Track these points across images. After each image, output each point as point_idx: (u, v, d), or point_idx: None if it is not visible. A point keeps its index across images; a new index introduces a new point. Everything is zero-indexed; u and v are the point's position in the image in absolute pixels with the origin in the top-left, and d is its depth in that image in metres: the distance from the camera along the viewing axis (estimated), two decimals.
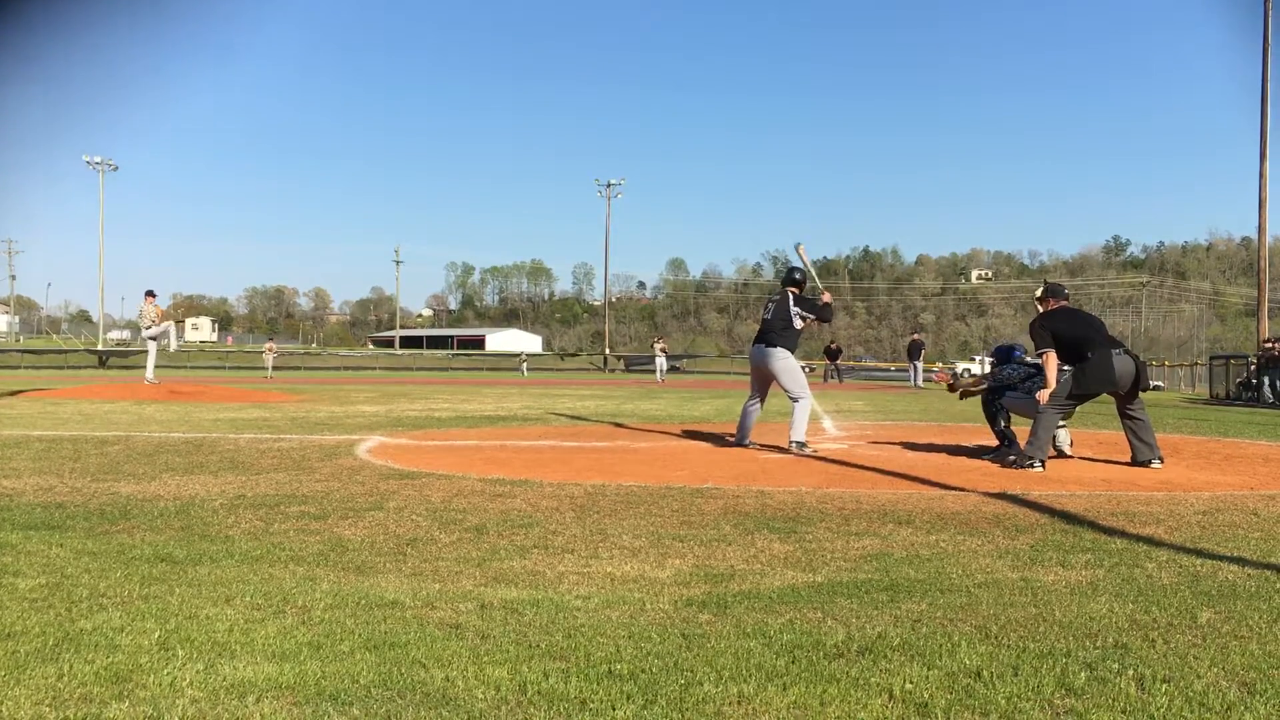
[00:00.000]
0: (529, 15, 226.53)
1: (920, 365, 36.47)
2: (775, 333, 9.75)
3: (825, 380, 39.76)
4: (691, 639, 3.26)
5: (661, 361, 43.56)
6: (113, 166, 70.27)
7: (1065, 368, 8.48)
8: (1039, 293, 9.27)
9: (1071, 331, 8.54)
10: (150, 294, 20.68)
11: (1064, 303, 9.02)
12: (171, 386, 20.25)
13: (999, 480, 7.38)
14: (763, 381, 10.00)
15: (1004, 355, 9.72)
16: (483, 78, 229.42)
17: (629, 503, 6.17)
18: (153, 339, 20.49)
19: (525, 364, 61.75)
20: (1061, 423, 8.87)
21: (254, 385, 27.85)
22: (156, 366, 20.84)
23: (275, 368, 48.03)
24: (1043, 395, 8.32)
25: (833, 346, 44.64)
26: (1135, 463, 8.39)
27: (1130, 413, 8.57)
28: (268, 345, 51.52)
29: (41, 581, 3.99)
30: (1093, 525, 5.47)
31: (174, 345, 21.15)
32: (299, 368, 58.29)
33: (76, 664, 2.94)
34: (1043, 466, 8.05)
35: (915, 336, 41.32)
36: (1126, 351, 8.56)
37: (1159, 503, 6.33)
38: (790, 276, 10.01)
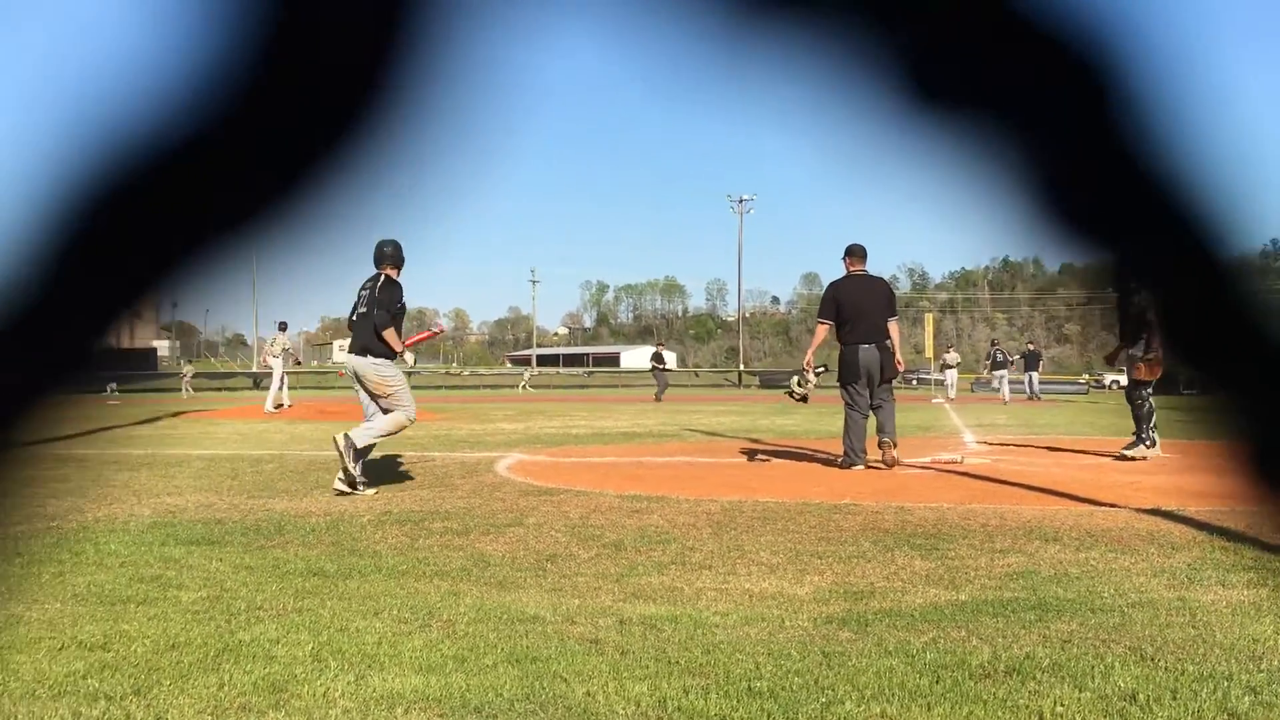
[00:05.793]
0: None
1: (1036, 375, 35.22)
2: None
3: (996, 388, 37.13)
4: (832, 656, 3.22)
5: (952, 375, 33.96)
6: None
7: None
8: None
9: None
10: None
11: None
12: (320, 406, 21.00)
13: (1152, 496, 7.07)
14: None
15: None
16: (615, 99, 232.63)
17: (766, 519, 6.13)
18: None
19: (526, 381, 56.59)
20: None
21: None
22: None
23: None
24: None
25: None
26: None
27: None
28: (185, 369, 42.35)
29: (203, 594, 4.18)
30: (1255, 543, 5.19)
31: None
32: (439, 386, 59.51)
33: (236, 674, 3.06)
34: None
35: (1030, 347, 39.79)
36: None
37: None
38: None
